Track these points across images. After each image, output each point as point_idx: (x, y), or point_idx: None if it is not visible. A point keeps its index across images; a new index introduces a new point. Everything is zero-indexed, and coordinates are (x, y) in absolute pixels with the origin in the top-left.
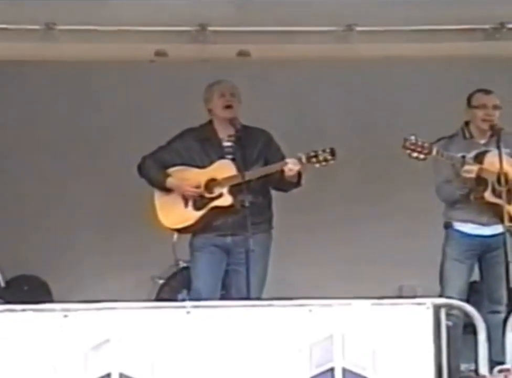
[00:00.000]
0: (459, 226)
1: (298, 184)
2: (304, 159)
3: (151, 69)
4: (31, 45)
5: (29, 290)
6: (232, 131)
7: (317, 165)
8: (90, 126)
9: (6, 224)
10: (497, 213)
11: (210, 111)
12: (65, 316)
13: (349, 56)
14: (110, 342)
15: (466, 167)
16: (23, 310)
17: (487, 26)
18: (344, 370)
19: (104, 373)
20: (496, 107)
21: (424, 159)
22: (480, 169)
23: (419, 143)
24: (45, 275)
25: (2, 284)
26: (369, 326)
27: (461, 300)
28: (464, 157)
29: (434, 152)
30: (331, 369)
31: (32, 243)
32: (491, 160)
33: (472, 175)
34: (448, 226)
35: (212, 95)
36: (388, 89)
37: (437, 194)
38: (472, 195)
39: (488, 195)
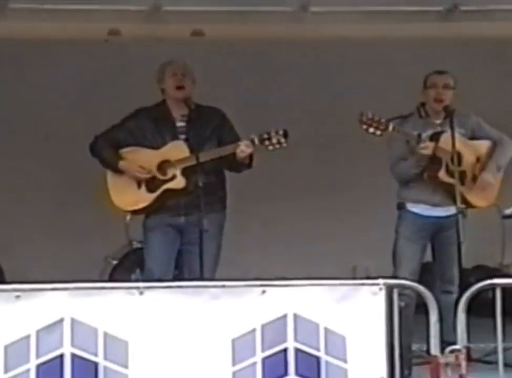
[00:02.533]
0: (412, 206)
1: (249, 165)
2: (256, 141)
3: (105, 48)
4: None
5: None
6: (185, 111)
7: (270, 148)
8: (43, 104)
9: None
10: (450, 194)
11: (162, 90)
12: (17, 296)
13: (304, 37)
14: (63, 323)
15: (423, 144)
16: None
17: (440, 8)
18: (297, 351)
19: (56, 353)
20: (446, 86)
21: (380, 135)
22: (436, 147)
23: (376, 119)
24: None
25: None
26: (322, 306)
27: (413, 280)
28: (419, 135)
29: (390, 128)
30: (284, 350)
31: None
32: (447, 141)
33: (429, 152)
34: (401, 206)
35: (164, 75)
36: (344, 69)
37: (391, 172)
38: (427, 173)
39: (442, 175)
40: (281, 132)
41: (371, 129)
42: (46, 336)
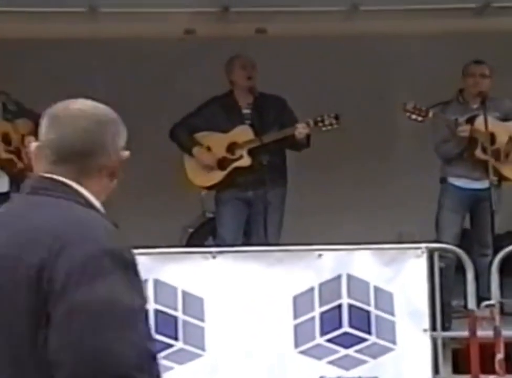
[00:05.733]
0: (453, 180)
1: (307, 145)
2: (312, 124)
3: (182, 45)
4: (76, 25)
5: None
6: (250, 99)
7: (323, 129)
8: (130, 96)
9: None
10: (486, 169)
11: (231, 81)
12: None
13: (353, 33)
14: (147, 283)
15: (461, 127)
16: None
17: (474, 5)
18: (350, 306)
19: None
20: (483, 75)
21: (422, 121)
22: (473, 130)
23: (418, 107)
24: None
25: None
26: (372, 267)
27: (453, 244)
28: (456, 119)
29: (431, 115)
30: (339, 306)
31: None
32: (482, 123)
33: (466, 134)
34: (444, 180)
35: (234, 67)
36: (389, 62)
37: (435, 152)
38: (465, 153)
39: (479, 153)
40: (333, 115)
41: (413, 116)
42: None
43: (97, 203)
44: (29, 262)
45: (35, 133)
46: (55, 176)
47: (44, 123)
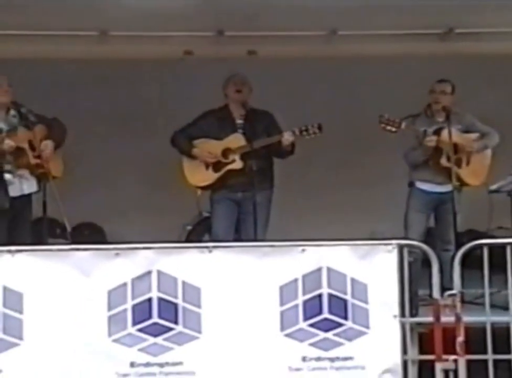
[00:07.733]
0: (420, 184)
1: (292, 152)
2: (297, 132)
3: (181, 65)
4: (87, 48)
5: (89, 234)
6: (243, 112)
7: (307, 137)
8: (135, 110)
9: (71, 183)
10: (449, 175)
11: (225, 95)
12: (117, 254)
13: (333, 55)
14: (151, 274)
15: (428, 138)
16: (85, 249)
17: (439, 30)
18: (330, 295)
19: (147, 297)
20: (443, 92)
21: (395, 132)
22: (439, 140)
23: (391, 119)
24: (101, 222)
25: (69, 230)
26: (349, 261)
27: (420, 241)
28: (425, 130)
29: (403, 126)
30: (320, 295)
31: (92, 198)
32: (446, 134)
33: (433, 144)
34: (411, 184)
35: (228, 83)
36: (364, 81)
37: (404, 159)
38: (431, 160)
39: (443, 161)
40: (316, 125)
41: (388, 127)
42: (139, 284)
43: None
44: None
45: (49, 137)
46: None
47: None
